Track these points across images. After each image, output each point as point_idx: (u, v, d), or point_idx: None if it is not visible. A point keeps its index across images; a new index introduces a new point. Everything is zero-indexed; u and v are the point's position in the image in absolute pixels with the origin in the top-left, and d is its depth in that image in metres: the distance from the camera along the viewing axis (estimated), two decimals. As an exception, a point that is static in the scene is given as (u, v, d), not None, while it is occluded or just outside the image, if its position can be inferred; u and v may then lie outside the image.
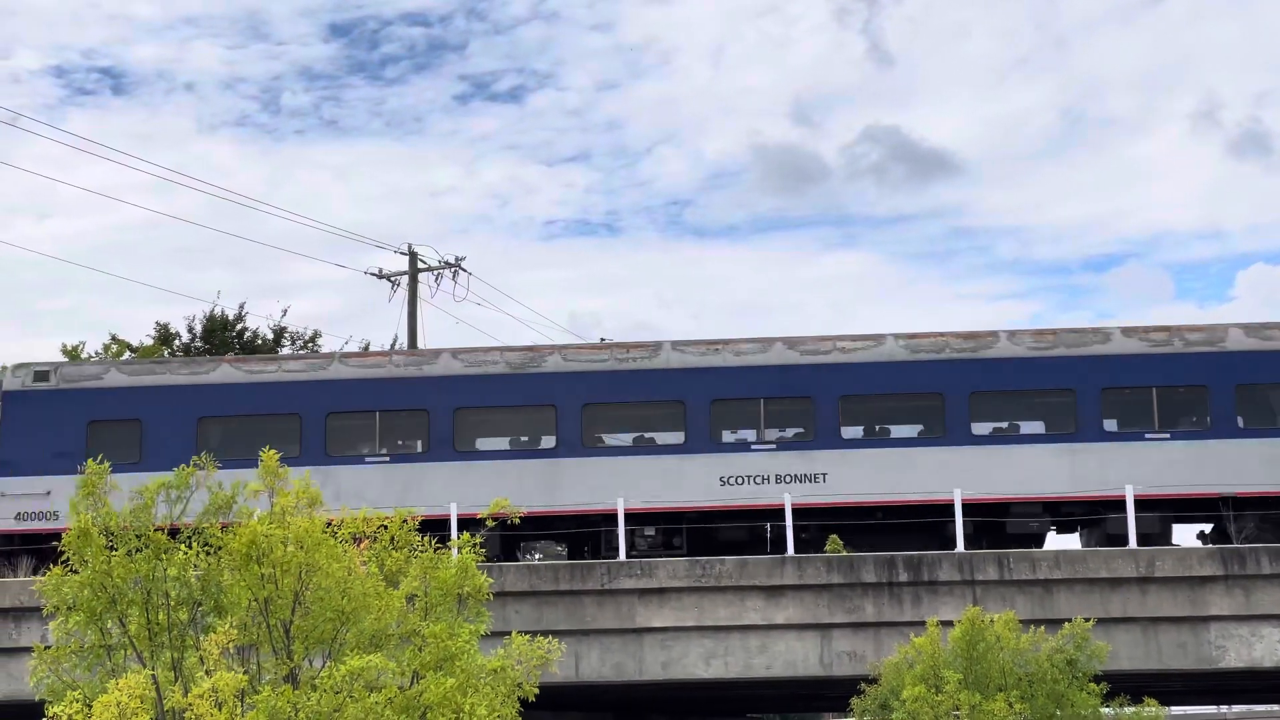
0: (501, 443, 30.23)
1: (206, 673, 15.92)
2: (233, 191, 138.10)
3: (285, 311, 53.98)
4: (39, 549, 28.03)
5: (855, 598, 26.56)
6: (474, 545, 17.62)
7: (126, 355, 47.45)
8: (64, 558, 16.70)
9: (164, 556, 16.51)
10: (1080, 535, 29.79)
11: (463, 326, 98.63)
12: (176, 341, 48.93)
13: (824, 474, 28.62)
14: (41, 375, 29.99)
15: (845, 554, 26.88)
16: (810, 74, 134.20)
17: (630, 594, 26.62)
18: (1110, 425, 28.97)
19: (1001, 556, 26.66)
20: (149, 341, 49.09)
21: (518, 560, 30.02)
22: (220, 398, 29.69)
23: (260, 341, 49.37)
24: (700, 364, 29.28)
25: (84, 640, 16.70)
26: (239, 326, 49.50)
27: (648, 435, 29.80)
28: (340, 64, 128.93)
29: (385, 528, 17.58)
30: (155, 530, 16.74)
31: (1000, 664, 22.66)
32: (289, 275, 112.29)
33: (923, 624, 23.92)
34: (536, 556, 31.22)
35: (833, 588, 26.55)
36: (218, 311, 49.57)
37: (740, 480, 28.67)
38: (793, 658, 26.69)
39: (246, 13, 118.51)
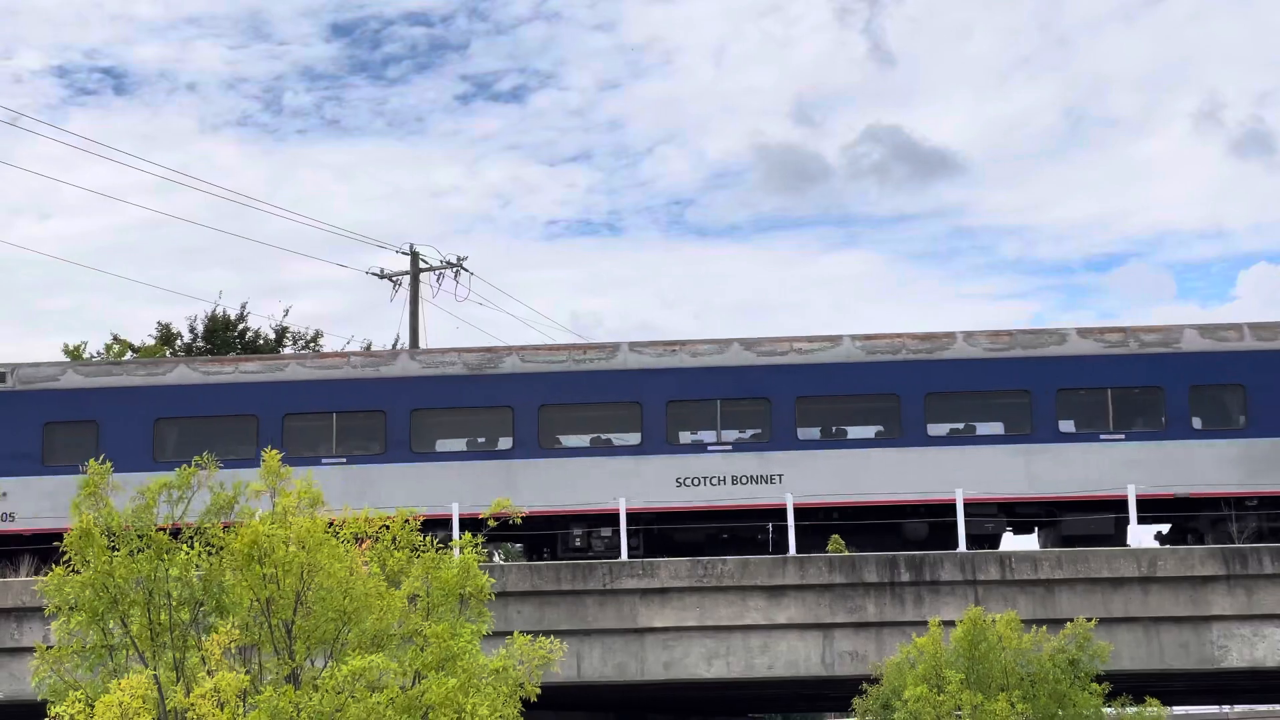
0: (459, 444, 30.25)
1: (208, 673, 15.92)
2: (234, 191, 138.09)
3: (287, 311, 53.99)
4: None
5: (857, 597, 26.55)
6: (475, 546, 17.64)
7: (129, 355, 47.48)
8: (66, 558, 16.70)
9: (166, 556, 16.50)
10: (1038, 536, 29.79)
11: (464, 326, 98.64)
12: (178, 341, 48.95)
13: (780, 475, 28.63)
14: None
15: (847, 554, 26.87)
16: (812, 74, 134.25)
17: (632, 594, 26.61)
18: (1066, 426, 29.01)
19: (1003, 556, 26.66)
20: (151, 341, 49.12)
21: None
22: (177, 399, 29.66)
23: (262, 341, 49.39)
24: (657, 365, 29.27)
25: (86, 640, 16.69)
26: (241, 326, 49.52)
27: (605, 436, 29.80)
28: (342, 64, 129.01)
29: (387, 528, 17.58)
30: (157, 530, 16.74)
31: (1002, 664, 22.66)
32: (291, 275, 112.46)
33: (925, 624, 23.91)
34: (498, 557, 31.23)
35: (834, 587, 26.54)
36: (219, 311, 49.62)
37: (696, 481, 28.67)
38: (794, 658, 26.69)
39: (248, 13, 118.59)
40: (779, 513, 28.44)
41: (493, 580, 17.68)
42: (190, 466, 17.07)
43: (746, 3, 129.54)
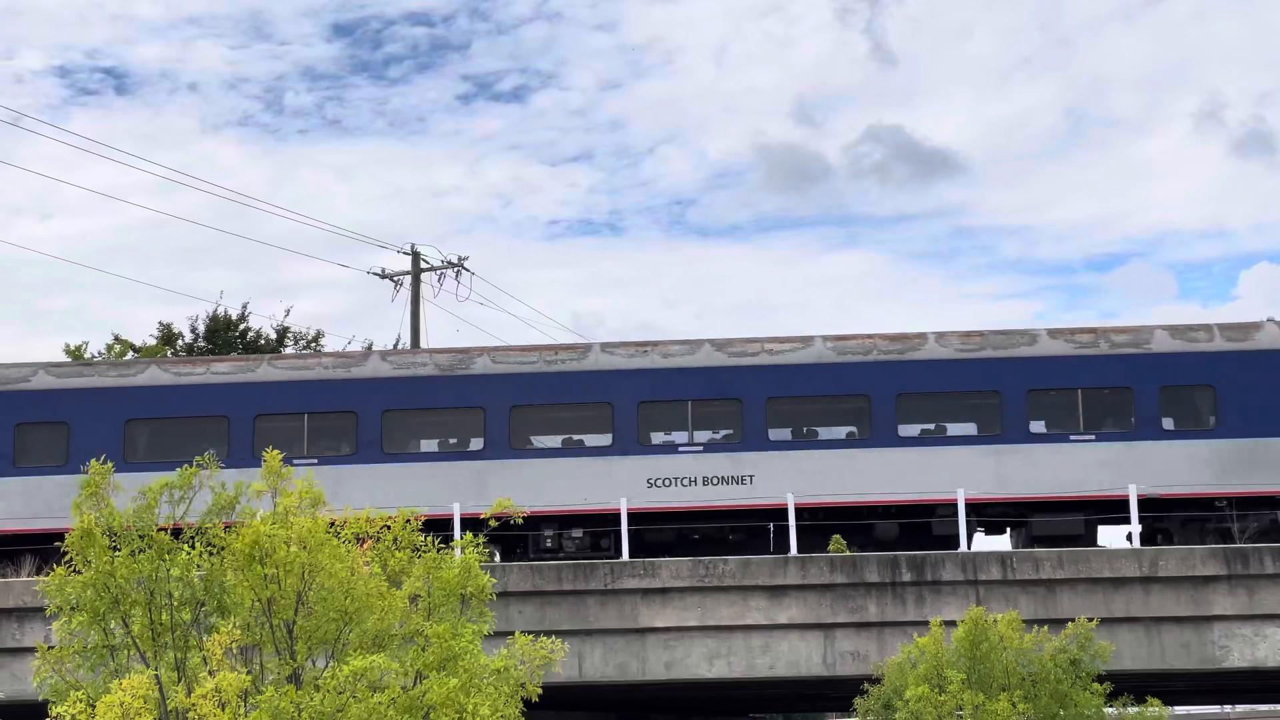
0: (431, 445, 30.23)
1: (210, 673, 15.93)
2: (236, 191, 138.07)
3: (288, 311, 54.00)
4: None
5: (858, 597, 26.56)
6: (476, 546, 17.65)
7: (130, 355, 47.49)
8: (67, 558, 16.71)
9: (167, 557, 16.51)
10: (1010, 536, 29.77)
11: (466, 327, 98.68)
12: (180, 341, 48.97)
13: (750, 475, 28.62)
14: None
15: (848, 554, 26.87)
16: (813, 74, 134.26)
17: (633, 594, 26.61)
18: (1036, 427, 29.00)
19: (1005, 556, 26.66)
20: (152, 342, 49.14)
21: None
22: (148, 400, 29.63)
23: (264, 341, 49.40)
24: (628, 366, 29.28)
25: (87, 640, 16.70)
26: (242, 326, 49.54)
27: (576, 437, 29.79)
28: (343, 64, 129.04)
29: (388, 528, 17.59)
30: (158, 530, 16.74)
31: (1003, 664, 22.66)
32: (292, 275, 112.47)
33: (926, 624, 23.91)
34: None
35: (836, 587, 26.54)
36: (221, 311, 49.63)
37: (667, 482, 28.66)
38: (796, 658, 26.69)
39: (249, 13, 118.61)
40: (751, 513, 28.50)
41: (494, 580, 17.68)
42: (192, 468, 17.06)
43: (747, 3, 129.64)
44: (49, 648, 17.01)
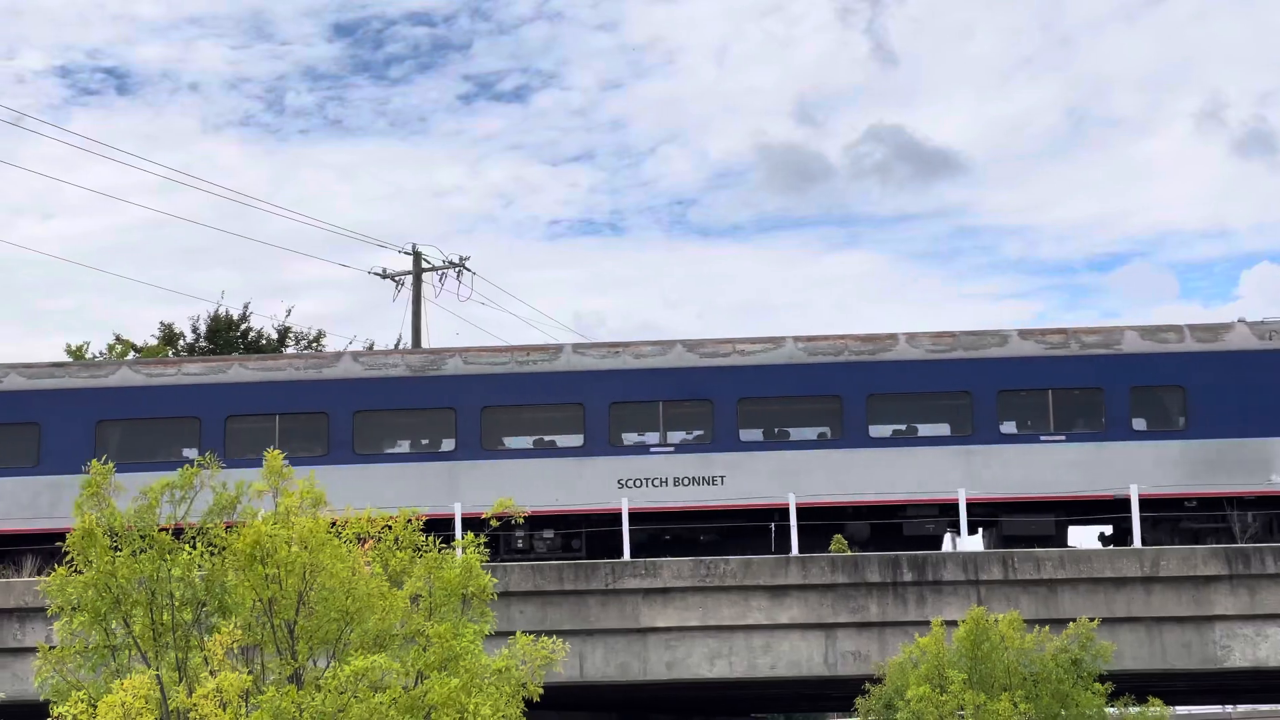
0: (402, 446, 30.21)
1: (211, 673, 15.93)
2: (237, 191, 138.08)
3: (289, 311, 53.96)
4: None
5: (859, 597, 26.56)
6: (477, 546, 17.65)
7: (131, 355, 47.50)
8: (68, 558, 16.71)
9: (168, 557, 16.51)
10: (982, 537, 29.79)
11: (467, 327, 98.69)
12: (181, 341, 48.99)
13: (721, 476, 28.64)
14: None
15: (850, 554, 26.88)
16: (814, 73, 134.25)
17: (634, 594, 26.62)
18: (1007, 427, 29.02)
19: (1006, 556, 26.65)
20: (153, 342, 49.15)
21: None
22: (119, 401, 29.62)
23: (265, 341, 49.41)
24: (600, 367, 29.32)
25: (88, 640, 16.70)
26: (243, 326, 49.54)
27: (548, 438, 29.80)
28: (344, 64, 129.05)
29: (390, 528, 17.59)
30: (159, 531, 16.74)
31: (1005, 664, 22.66)
32: (293, 275, 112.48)
33: (927, 624, 23.91)
34: None
35: (837, 587, 26.54)
36: (222, 311, 49.64)
37: (639, 483, 28.64)
38: (797, 658, 26.69)
39: (250, 13, 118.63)
40: (722, 514, 28.50)
41: (495, 580, 17.69)
42: (192, 469, 17.06)
43: (748, 2, 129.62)
44: (50, 648, 17.00)
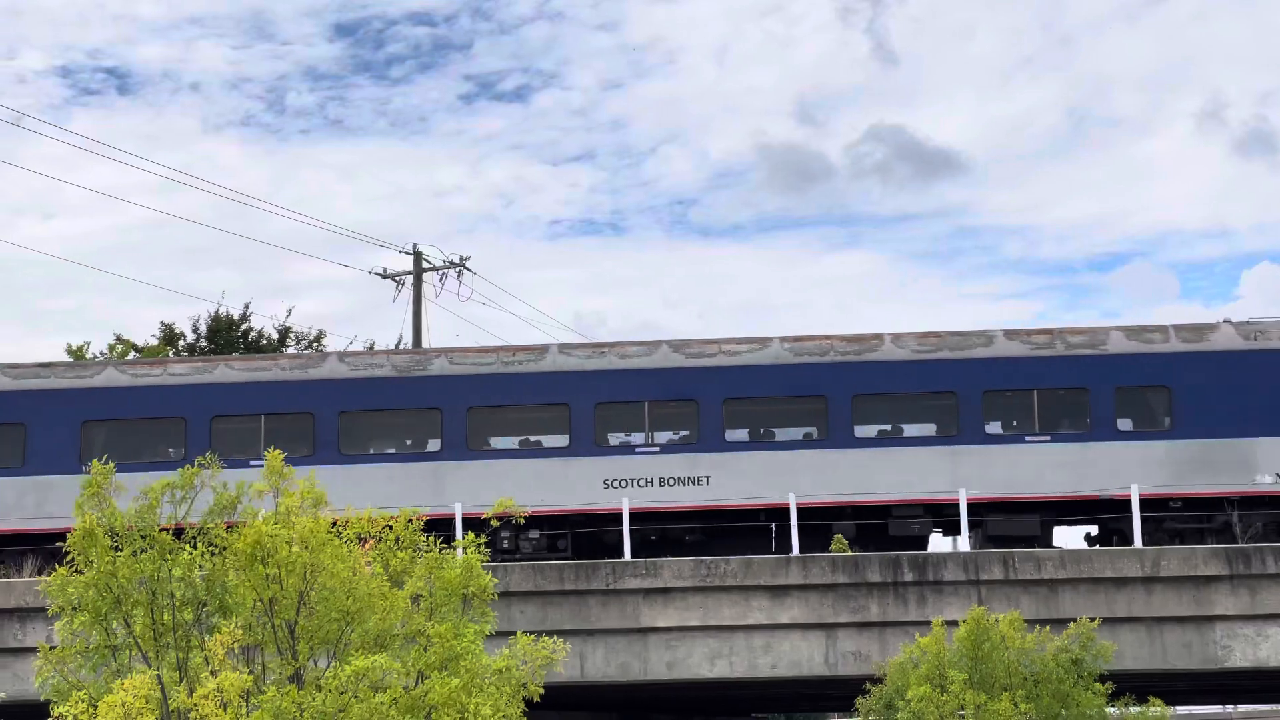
0: (388, 446, 30.19)
1: (211, 673, 15.93)
2: (237, 191, 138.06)
3: (290, 311, 53.90)
4: None
5: (860, 597, 26.56)
6: (479, 546, 17.66)
7: (132, 355, 47.52)
8: (69, 558, 16.72)
9: (169, 557, 16.51)
10: (968, 537, 29.77)
11: (468, 326, 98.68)
12: (181, 341, 49.00)
13: (707, 477, 28.63)
14: None
15: (850, 554, 26.88)
16: (815, 73, 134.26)
17: (635, 594, 26.62)
18: (992, 428, 29.01)
19: (1006, 556, 26.65)
20: (154, 342, 49.16)
21: None
22: (105, 402, 29.59)
23: (265, 341, 49.42)
24: (585, 367, 29.31)
25: (89, 641, 16.70)
26: (244, 326, 49.55)
27: (533, 438, 29.79)
28: (345, 64, 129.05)
29: (390, 528, 17.60)
30: (160, 531, 16.75)
31: (1005, 664, 22.66)
32: (294, 275, 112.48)
33: (928, 624, 23.91)
34: None
35: (838, 587, 26.54)
36: (223, 311, 49.65)
37: (624, 483, 28.63)
38: (797, 657, 26.69)
39: (251, 12, 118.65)
40: (707, 514, 28.48)
41: (496, 580, 17.69)
42: (193, 468, 17.06)
43: (749, 2, 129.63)
44: (51, 648, 17.01)
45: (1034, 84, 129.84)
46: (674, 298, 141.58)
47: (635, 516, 28.44)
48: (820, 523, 28.39)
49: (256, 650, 16.79)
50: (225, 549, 16.62)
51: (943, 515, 28.75)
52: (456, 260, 46.56)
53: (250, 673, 16.15)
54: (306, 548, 16.41)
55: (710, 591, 26.58)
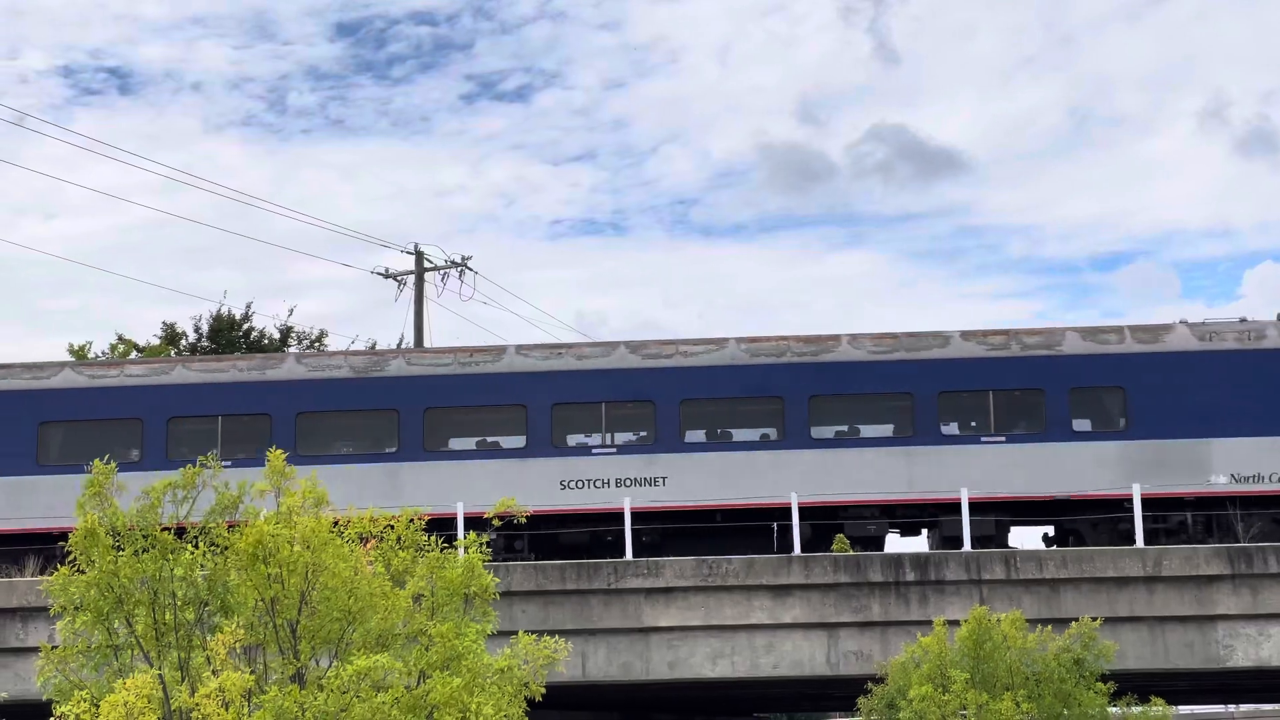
0: (345, 447, 30.15)
1: (213, 672, 15.93)
2: (239, 191, 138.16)
3: (292, 311, 53.89)
4: None
5: (862, 597, 26.56)
6: (480, 545, 17.66)
7: (134, 355, 47.53)
8: (71, 558, 16.72)
9: (171, 556, 16.52)
10: (926, 538, 29.77)
11: (469, 326, 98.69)
12: (183, 341, 49.00)
13: (664, 478, 28.60)
14: None
15: (852, 553, 26.88)
16: (816, 73, 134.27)
17: (637, 593, 26.62)
18: (948, 429, 28.99)
19: (1008, 556, 26.66)
20: (155, 341, 49.17)
21: None
22: (61, 403, 29.54)
23: (267, 341, 49.41)
24: (543, 368, 29.29)
25: (91, 640, 16.71)
26: (245, 326, 49.55)
27: (491, 439, 29.75)
28: (347, 63, 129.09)
29: (392, 527, 17.60)
30: (162, 530, 16.75)
31: (1007, 663, 22.66)
32: (295, 275, 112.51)
33: (929, 623, 23.91)
34: None
35: (839, 587, 26.54)
36: (224, 311, 49.64)
37: (581, 484, 28.60)
38: (799, 657, 26.69)
39: (253, 12, 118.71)
40: (662, 515, 28.43)
41: (497, 580, 17.69)
42: (196, 467, 17.06)
43: (751, 2, 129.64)
44: (53, 647, 17.01)
45: (1036, 83, 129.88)
46: (675, 297, 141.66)
47: (592, 518, 28.44)
48: (778, 523, 28.40)
49: (258, 650, 16.80)
50: (227, 548, 16.62)
51: (898, 517, 28.78)
52: (458, 260, 46.58)
53: (252, 672, 16.15)
54: (308, 547, 16.42)
55: (712, 591, 26.58)
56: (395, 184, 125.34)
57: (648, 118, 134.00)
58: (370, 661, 15.70)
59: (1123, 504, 28.01)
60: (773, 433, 29.10)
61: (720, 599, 26.60)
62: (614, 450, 28.94)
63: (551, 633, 17.88)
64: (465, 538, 18.40)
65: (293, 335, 50.16)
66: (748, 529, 28.40)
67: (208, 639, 16.43)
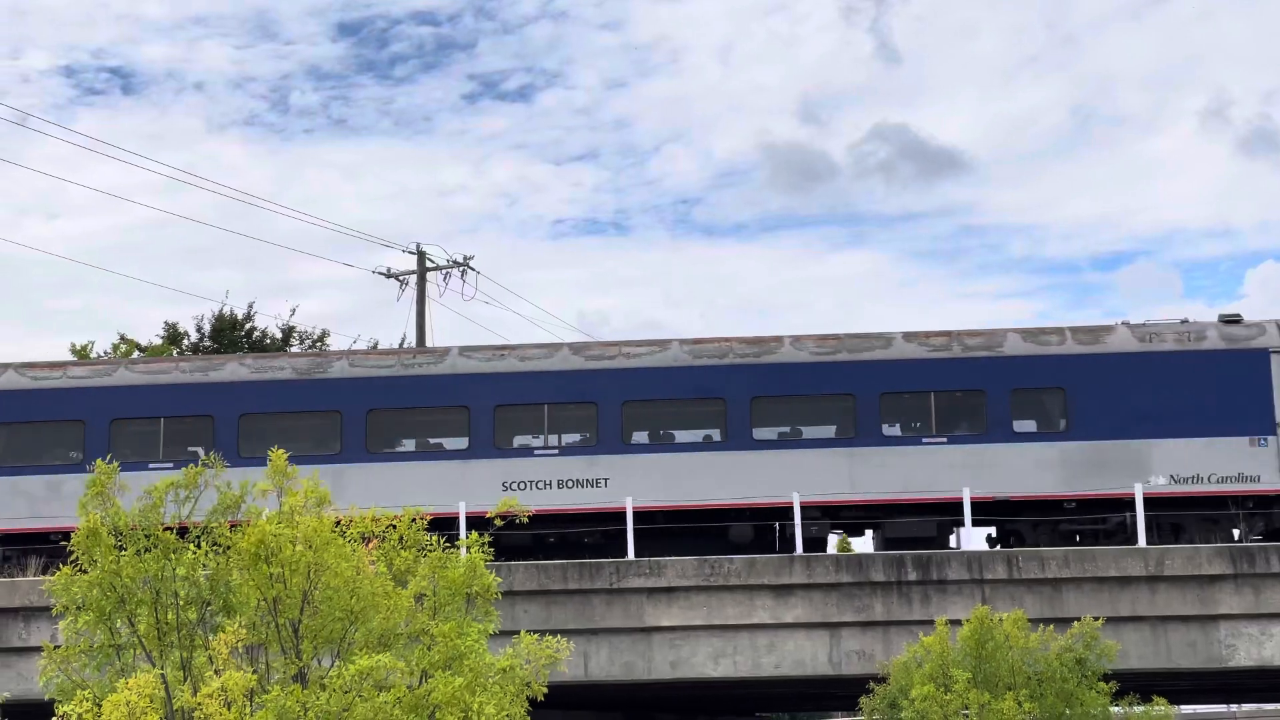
0: (288, 449, 30.01)
1: (215, 672, 15.94)
2: (241, 191, 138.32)
3: (294, 311, 54.08)
4: None
5: (864, 596, 26.56)
6: (482, 545, 17.67)
7: (135, 354, 47.55)
8: (73, 557, 16.73)
9: (173, 556, 16.53)
10: (871, 539, 29.75)
11: (471, 326, 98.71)
12: (185, 341, 49.03)
13: (606, 479, 28.61)
14: None
15: (854, 553, 26.90)
16: (818, 72, 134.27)
17: (639, 593, 26.63)
18: (890, 430, 29.00)
19: (1010, 555, 26.66)
20: (158, 341, 49.21)
21: None
22: (4, 404, 29.53)
23: (269, 341, 49.45)
24: (485, 369, 29.27)
25: (93, 640, 16.72)
26: (248, 326, 49.58)
27: (434, 441, 29.74)
28: (349, 63, 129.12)
29: (394, 527, 17.61)
30: (164, 530, 16.76)
31: (1009, 663, 22.66)
32: (297, 275, 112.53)
33: (931, 623, 23.92)
34: None
35: (841, 586, 26.55)
36: (226, 311, 49.68)
37: (523, 485, 28.57)
38: (801, 657, 26.69)
39: (255, 12, 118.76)
40: (606, 516, 28.39)
41: (499, 580, 17.70)
42: (194, 467, 17.06)
43: (753, 2, 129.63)
44: (55, 647, 17.02)
45: (1038, 83, 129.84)
46: (677, 297, 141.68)
47: (533, 519, 28.50)
48: (719, 525, 28.44)
49: (260, 649, 16.81)
50: (229, 548, 16.63)
51: (840, 518, 28.78)
52: (460, 260, 46.59)
53: (254, 672, 16.16)
54: (310, 547, 16.43)
55: (714, 591, 26.59)
56: (397, 184, 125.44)
57: (650, 117, 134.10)
58: (372, 661, 15.70)
59: (1061, 505, 28.14)
60: (715, 434, 29.13)
61: (722, 598, 26.61)
62: (556, 452, 28.95)
63: (553, 632, 17.88)
64: (465, 538, 18.34)
65: (295, 335, 50.20)
66: (694, 530, 28.38)
67: (210, 638, 16.44)
